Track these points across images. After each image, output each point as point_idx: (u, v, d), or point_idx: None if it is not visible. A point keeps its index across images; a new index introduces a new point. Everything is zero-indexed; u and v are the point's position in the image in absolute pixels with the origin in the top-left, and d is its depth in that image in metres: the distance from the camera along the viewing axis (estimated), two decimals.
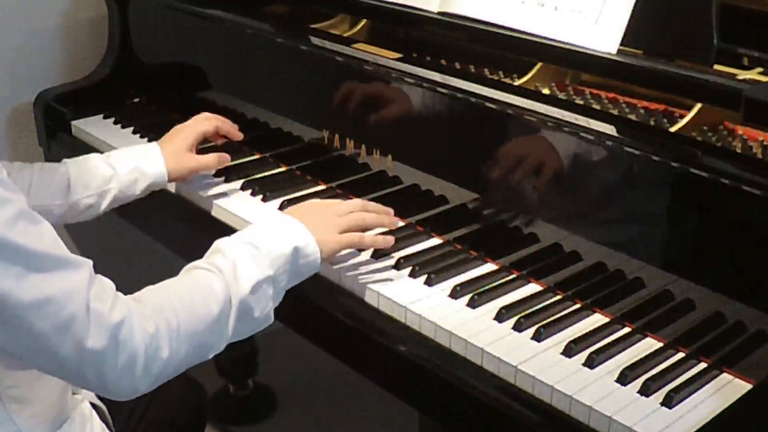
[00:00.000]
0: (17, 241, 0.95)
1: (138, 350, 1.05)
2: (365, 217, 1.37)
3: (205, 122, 1.65)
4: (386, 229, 1.44)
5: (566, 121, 1.33)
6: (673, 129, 1.34)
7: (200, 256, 1.26)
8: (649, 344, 1.24)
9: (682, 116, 1.37)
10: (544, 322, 1.27)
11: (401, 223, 1.54)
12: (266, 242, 1.24)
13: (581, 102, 1.48)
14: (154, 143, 1.61)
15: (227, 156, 1.65)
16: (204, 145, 1.69)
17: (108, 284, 1.06)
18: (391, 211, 1.44)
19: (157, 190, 1.58)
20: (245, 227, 1.55)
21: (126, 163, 1.55)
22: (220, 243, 1.24)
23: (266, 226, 1.30)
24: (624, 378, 1.16)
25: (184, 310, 1.11)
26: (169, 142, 1.61)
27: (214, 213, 1.64)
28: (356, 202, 1.41)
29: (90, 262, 1.04)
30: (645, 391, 1.14)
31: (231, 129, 1.68)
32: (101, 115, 2.05)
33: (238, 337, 1.20)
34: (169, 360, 1.09)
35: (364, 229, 1.38)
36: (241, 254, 1.21)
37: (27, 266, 0.96)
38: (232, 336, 1.18)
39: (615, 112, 1.43)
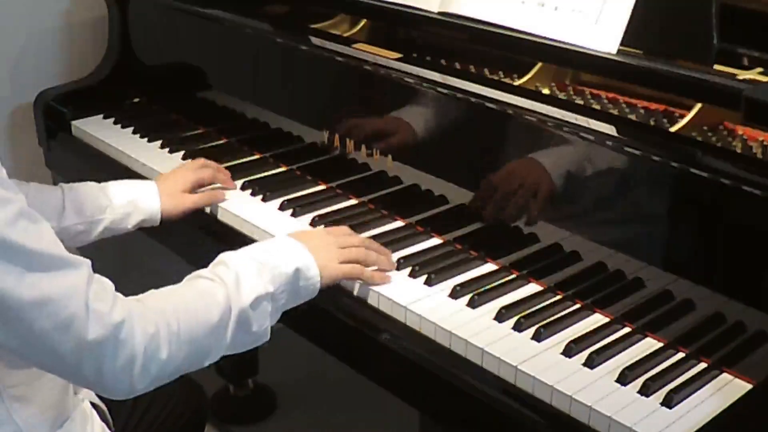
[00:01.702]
0: (18, 240, 0.96)
1: (137, 350, 1.05)
2: (367, 253, 1.37)
3: (203, 169, 1.65)
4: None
5: (566, 121, 1.33)
6: (673, 129, 1.34)
7: (200, 254, 1.26)
8: (649, 344, 1.24)
9: (682, 116, 1.37)
10: (544, 322, 1.27)
11: (401, 224, 1.54)
12: (270, 260, 1.25)
13: (581, 102, 1.48)
14: (151, 181, 1.61)
15: (222, 193, 1.65)
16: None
17: (108, 284, 1.07)
18: (390, 253, 1.43)
19: (147, 227, 1.58)
20: (245, 227, 1.56)
21: (122, 196, 1.54)
22: (224, 256, 1.25)
23: (271, 245, 1.31)
24: (624, 378, 1.16)
25: (185, 314, 1.12)
26: (166, 182, 1.61)
27: (213, 213, 1.64)
28: (359, 238, 1.41)
29: (88, 262, 1.05)
30: (645, 391, 1.14)
31: (227, 180, 1.68)
32: (101, 115, 2.05)
33: (234, 350, 1.20)
34: (167, 362, 1.09)
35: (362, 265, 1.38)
36: (244, 268, 1.22)
37: (27, 266, 0.96)
38: (229, 345, 1.19)
39: (615, 112, 1.43)
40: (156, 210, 1.57)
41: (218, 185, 1.67)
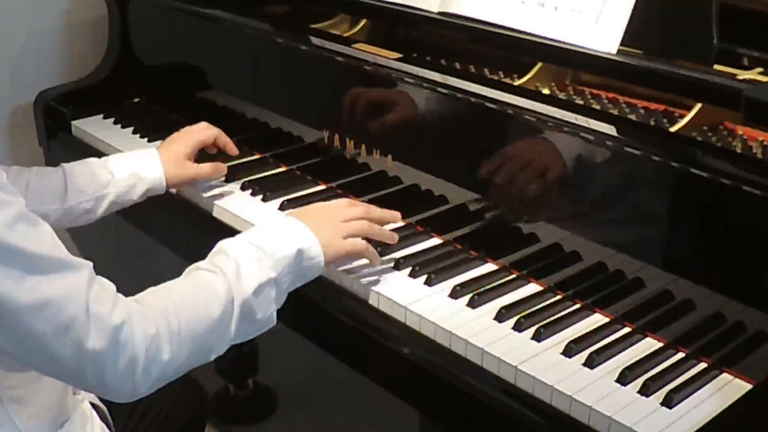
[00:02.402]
0: (17, 243, 0.95)
1: (138, 352, 1.04)
2: (370, 226, 1.36)
3: (204, 131, 1.65)
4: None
5: (566, 121, 1.33)
6: (673, 129, 1.34)
7: (200, 255, 1.25)
8: (649, 344, 1.24)
9: (682, 116, 1.37)
10: (544, 322, 1.27)
11: (401, 223, 1.54)
12: (270, 243, 1.23)
13: (581, 102, 1.48)
14: (152, 149, 1.60)
15: (224, 166, 1.65)
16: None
17: (108, 286, 1.06)
18: (397, 214, 1.43)
19: (154, 195, 1.58)
20: (246, 227, 1.55)
21: (124, 168, 1.54)
22: (223, 244, 1.23)
23: (270, 227, 1.28)
24: (624, 378, 1.16)
25: (185, 311, 1.10)
26: (167, 148, 1.60)
27: (214, 213, 1.64)
28: (361, 209, 1.38)
29: (90, 264, 1.04)
30: (645, 391, 1.14)
31: (228, 142, 1.67)
32: (101, 115, 2.05)
33: (241, 339, 1.19)
34: (169, 362, 1.08)
35: (365, 238, 1.37)
36: (245, 255, 1.20)
37: (26, 269, 0.96)
38: (234, 338, 1.17)
39: (615, 112, 1.43)
40: (160, 178, 1.56)
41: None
